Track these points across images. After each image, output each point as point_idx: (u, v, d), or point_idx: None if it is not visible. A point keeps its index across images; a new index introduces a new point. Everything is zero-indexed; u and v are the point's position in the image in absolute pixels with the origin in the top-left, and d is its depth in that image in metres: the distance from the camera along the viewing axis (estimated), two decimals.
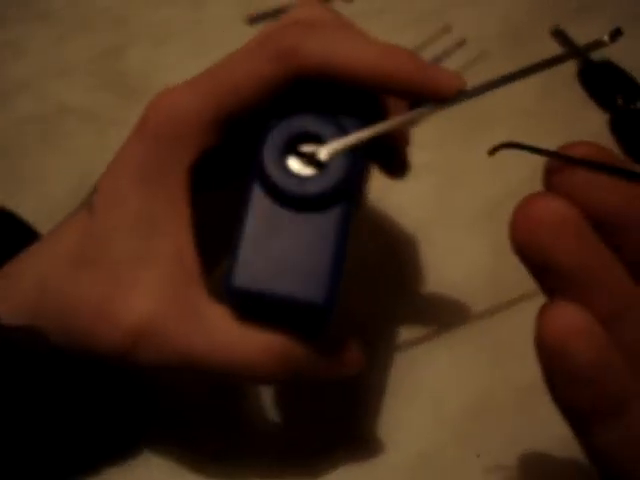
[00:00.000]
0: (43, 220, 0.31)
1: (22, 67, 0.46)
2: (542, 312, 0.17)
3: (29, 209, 0.32)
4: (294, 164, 0.24)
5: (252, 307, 0.24)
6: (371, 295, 0.35)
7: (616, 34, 0.21)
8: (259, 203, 0.24)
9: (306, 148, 0.24)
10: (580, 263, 0.16)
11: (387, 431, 0.31)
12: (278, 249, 0.23)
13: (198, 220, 0.25)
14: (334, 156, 0.24)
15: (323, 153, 0.24)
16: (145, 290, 0.24)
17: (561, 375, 0.16)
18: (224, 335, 0.24)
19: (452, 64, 0.44)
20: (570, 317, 0.16)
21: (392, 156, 0.28)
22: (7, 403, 0.25)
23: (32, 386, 0.25)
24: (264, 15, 0.48)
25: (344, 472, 0.30)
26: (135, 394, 0.30)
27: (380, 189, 0.31)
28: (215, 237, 0.26)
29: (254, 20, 0.48)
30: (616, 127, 0.41)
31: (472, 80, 0.43)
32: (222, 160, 0.25)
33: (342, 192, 0.24)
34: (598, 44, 0.21)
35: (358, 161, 0.24)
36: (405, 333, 0.33)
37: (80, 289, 0.24)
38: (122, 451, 0.30)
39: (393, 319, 0.34)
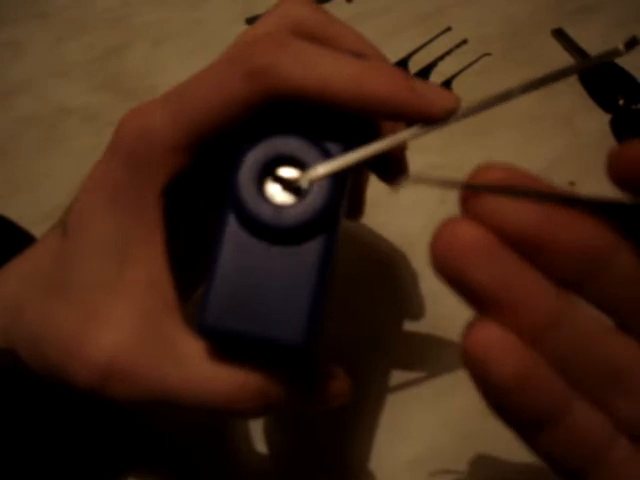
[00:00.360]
0: (42, 221, 0.31)
1: (22, 67, 0.46)
2: (465, 330, 0.17)
3: (28, 210, 0.31)
4: (271, 191, 0.22)
5: (227, 344, 0.23)
6: (364, 323, 0.34)
7: (632, 43, 0.19)
8: (233, 234, 0.22)
9: (285, 173, 0.22)
10: (498, 281, 0.17)
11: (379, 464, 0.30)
12: (253, 285, 0.22)
13: (174, 244, 0.24)
14: (316, 182, 0.22)
15: (305, 180, 0.21)
16: (116, 324, 0.23)
17: (486, 388, 0.17)
18: (199, 370, 0.23)
19: (452, 64, 0.44)
20: (488, 335, 0.17)
21: (389, 163, 0.27)
22: None
23: (12, 412, 0.25)
24: None
25: None
26: (121, 421, 0.29)
27: (380, 193, 0.31)
28: (192, 260, 0.25)
29: (254, 20, 0.48)
30: (617, 128, 0.41)
31: (472, 79, 0.43)
32: (197, 182, 0.24)
33: (323, 222, 0.22)
34: (613, 53, 0.20)
35: (341, 187, 0.22)
36: (399, 361, 0.33)
37: (51, 319, 0.24)
38: (108, 478, 0.29)
39: (388, 348, 0.34)
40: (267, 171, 0.22)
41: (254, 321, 0.22)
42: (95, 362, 0.23)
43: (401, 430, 0.31)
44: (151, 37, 0.47)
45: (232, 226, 0.22)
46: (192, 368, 0.23)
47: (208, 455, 0.30)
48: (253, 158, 0.22)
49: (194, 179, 0.24)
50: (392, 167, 0.27)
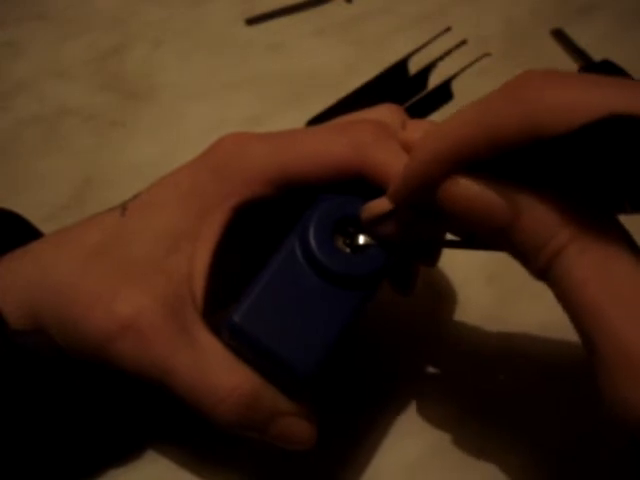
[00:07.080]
0: (43, 221, 0.31)
1: (22, 67, 0.46)
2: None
3: (29, 210, 0.31)
4: (338, 239, 0.25)
5: (243, 346, 0.24)
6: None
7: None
8: (291, 256, 0.24)
9: (352, 229, 0.25)
10: None
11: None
12: (290, 306, 0.24)
13: (221, 258, 0.26)
14: (371, 244, 0.25)
15: (361, 239, 0.25)
16: (148, 293, 0.24)
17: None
18: (204, 360, 0.24)
19: (452, 64, 0.44)
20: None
21: (404, 273, 0.29)
22: (19, 407, 0.25)
23: (41, 390, 0.25)
24: (264, 15, 0.48)
25: None
26: (140, 393, 0.30)
27: None
28: (227, 281, 0.27)
29: (254, 20, 0.48)
30: None
31: (472, 80, 0.43)
32: (265, 212, 0.26)
33: (367, 281, 0.25)
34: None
35: (389, 259, 0.25)
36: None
37: (87, 278, 0.25)
38: (126, 451, 0.30)
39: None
40: (340, 222, 0.25)
41: (275, 336, 0.24)
42: (118, 314, 0.24)
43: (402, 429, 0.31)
44: (151, 37, 0.47)
45: (294, 249, 0.24)
46: (199, 356, 0.24)
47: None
48: (330, 210, 0.25)
49: (264, 209, 0.26)
50: (405, 277, 0.29)
